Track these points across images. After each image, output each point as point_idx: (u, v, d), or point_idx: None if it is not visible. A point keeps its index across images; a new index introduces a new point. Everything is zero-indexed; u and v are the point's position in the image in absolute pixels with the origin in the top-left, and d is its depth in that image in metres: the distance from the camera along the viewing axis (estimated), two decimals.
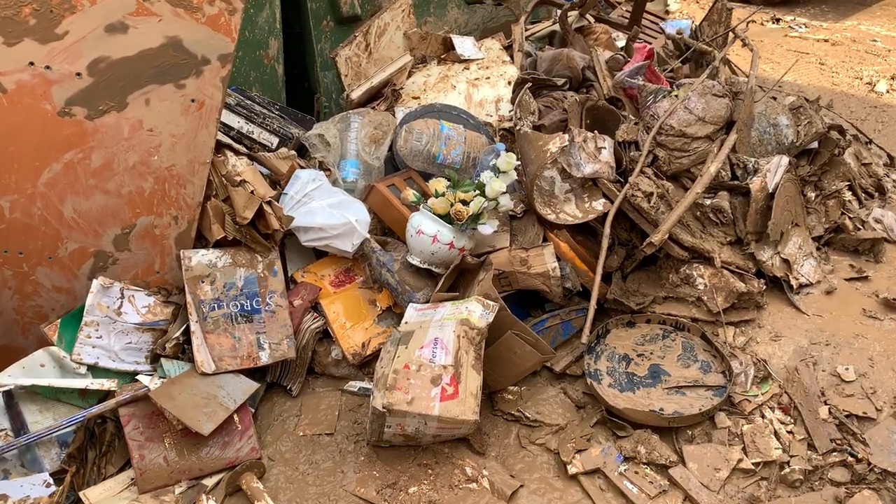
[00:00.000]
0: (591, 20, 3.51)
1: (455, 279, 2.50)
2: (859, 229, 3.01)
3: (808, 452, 2.22)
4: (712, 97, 2.79)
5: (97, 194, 2.22)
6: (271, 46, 3.03)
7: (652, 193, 2.62)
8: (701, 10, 7.12)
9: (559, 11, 4.00)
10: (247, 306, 2.41)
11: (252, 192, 2.37)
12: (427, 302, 2.46)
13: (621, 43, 3.73)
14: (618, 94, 3.00)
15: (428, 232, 2.39)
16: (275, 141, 2.74)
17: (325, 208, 2.54)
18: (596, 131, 2.67)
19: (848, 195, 3.05)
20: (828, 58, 5.97)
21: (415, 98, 3.27)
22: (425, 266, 2.46)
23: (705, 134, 2.75)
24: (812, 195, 3.03)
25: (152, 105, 2.18)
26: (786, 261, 2.72)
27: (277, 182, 2.62)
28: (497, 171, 2.42)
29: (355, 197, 2.86)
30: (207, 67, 2.19)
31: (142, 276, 2.36)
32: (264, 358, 2.37)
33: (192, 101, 2.21)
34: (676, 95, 2.88)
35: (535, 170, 2.48)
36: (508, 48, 3.52)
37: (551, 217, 2.61)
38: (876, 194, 3.37)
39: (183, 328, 2.33)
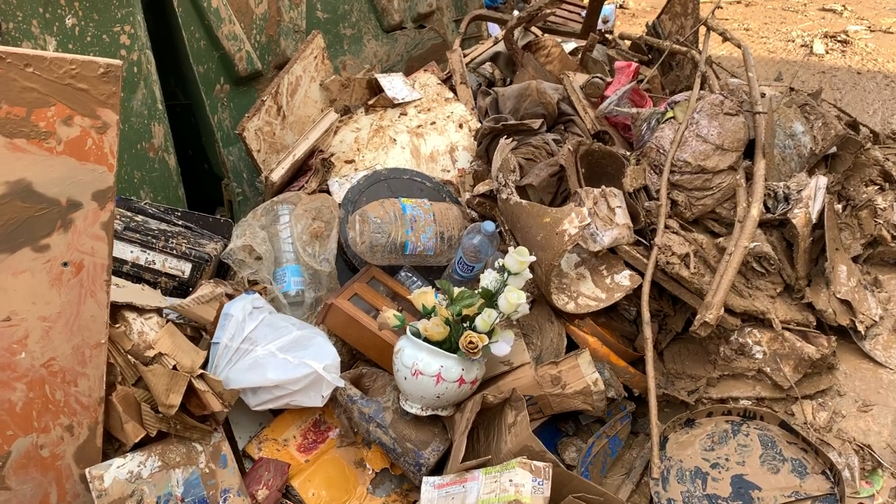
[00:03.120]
0: (539, 33, 2.93)
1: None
2: None
3: None
4: (725, 117, 2.26)
5: None
6: (155, 134, 2.29)
7: (687, 254, 2.08)
8: None
9: (490, 27, 3.41)
10: None
11: (174, 366, 1.66)
12: (439, 466, 1.83)
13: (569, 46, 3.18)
14: (602, 126, 2.44)
15: (429, 371, 1.76)
16: (187, 268, 2.03)
17: (276, 356, 1.87)
18: (603, 186, 2.10)
19: (881, 201, 2.61)
20: (749, 22, 5.63)
21: (348, 162, 2.60)
22: (429, 413, 1.83)
23: (728, 165, 2.22)
24: (839, 207, 2.56)
25: (4, 283, 1.45)
26: (845, 302, 2.24)
27: (202, 328, 1.92)
28: (506, 271, 1.81)
29: (303, 314, 2.19)
30: (79, 214, 1.47)
31: None
32: None
33: (65, 265, 1.49)
34: (673, 118, 2.35)
35: (551, 258, 1.88)
36: (447, 80, 2.89)
37: (570, 307, 2.03)
38: (886, 185, 2.97)
39: None
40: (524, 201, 2.00)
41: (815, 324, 2.19)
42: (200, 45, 2.41)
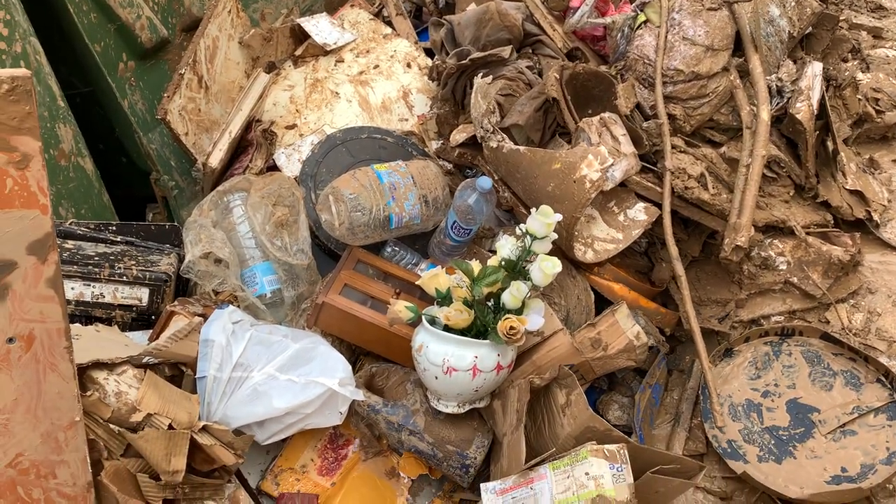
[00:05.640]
0: None
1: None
2: (881, 112, 2.46)
3: None
4: (709, 13, 2.04)
5: None
6: (63, 137, 1.90)
7: (702, 174, 1.89)
8: None
9: None
10: None
11: (170, 424, 1.37)
12: (488, 466, 1.63)
13: None
14: (573, 43, 2.18)
15: (463, 366, 1.53)
16: (144, 294, 1.70)
17: (277, 379, 1.59)
18: (605, 114, 1.86)
19: (861, 76, 2.48)
20: None
21: (290, 128, 2.27)
22: (466, 408, 1.61)
23: (721, 66, 2.02)
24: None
25: None
26: (855, 192, 2.11)
27: (182, 363, 1.62)
28: (528, 236, 1.57)
29: (284, 316, 1.91)
30: (15, 275, 1.14)
31: None
32: None
33: (10, 341, 1.17)
34: (647, 21, 2.11)
35: (572, 210, 1.65)
36: (379, 14, 2.55)
37: (589, 256, 1.82)
38: (850, 56, 2.84)
39: None
40: (523, 148, 1.74)
41: (832, 222, 2.07)
42: (91, 19, 1.98)
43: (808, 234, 1.99)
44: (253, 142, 2.17)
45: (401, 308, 1.61)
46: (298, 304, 1.91)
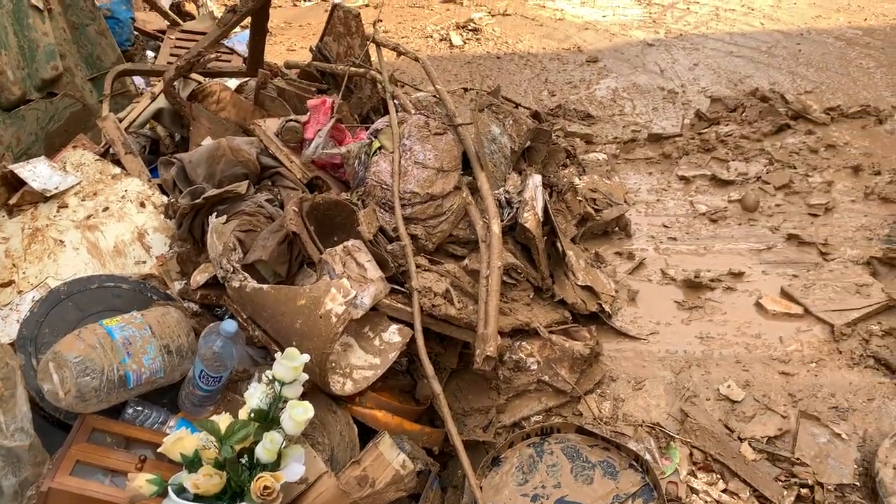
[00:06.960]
0: (201, 79, 2.56)
1: None
2: (599, 210, 2.74)
3: None
4: (435, 137, 2.17)
5: None
6: None
7: (447, 290, 1.95)
8: None
9: (135, 80, 2.94)
10: None
11: None
12: None
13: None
14: (312, 172, 2.19)
15: None
16: None
17: None
18: (349, 242, 1.86)
19: (578, 181, 2.75)
20: (384, 24, 5.74)
21: (6, 285, 2.03)
22: None
23: (453, 185, 2.14)
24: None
25: None
26: (588, 288, 2.30)
27: None
28: (279, 382, 1.49)
29: None
30: None
31: None
32: None
33: None
34: (381, 148, 2.20)
35: (322, 346, 1.60)
36: (107, 153, 2.41)
37: (349, 387, 1.78)
38: (568, 161, 3.17)
39: None
40: (266, 286, 1.69)
41: (571, 318, 2.22)
42: None
43: (550, 332, 2.11)
44: None
45: (141, 483, 1.45)
46: (22, 492, 1.65)
